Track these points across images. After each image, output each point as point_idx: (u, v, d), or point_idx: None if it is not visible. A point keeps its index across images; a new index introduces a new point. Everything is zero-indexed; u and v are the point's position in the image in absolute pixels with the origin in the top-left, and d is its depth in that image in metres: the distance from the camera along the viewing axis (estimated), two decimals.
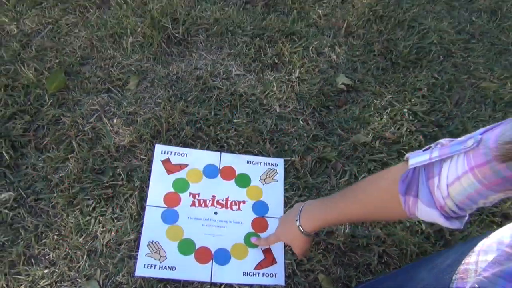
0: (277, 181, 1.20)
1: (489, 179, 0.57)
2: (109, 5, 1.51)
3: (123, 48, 1.40)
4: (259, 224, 1.14)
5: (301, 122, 1.32)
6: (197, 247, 1.07)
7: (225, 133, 1.26)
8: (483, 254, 0.73)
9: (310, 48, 1.49)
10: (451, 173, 0.61)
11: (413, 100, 1.41)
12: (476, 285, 0.66)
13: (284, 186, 1.20)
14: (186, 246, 1.07)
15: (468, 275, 0.73)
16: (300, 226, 0.88)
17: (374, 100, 1.40)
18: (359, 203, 0.78)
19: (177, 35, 1.44)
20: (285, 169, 1.23)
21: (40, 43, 1.39)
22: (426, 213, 0.67)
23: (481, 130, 0.61)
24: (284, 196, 1.19)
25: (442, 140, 0.66)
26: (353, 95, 1.42)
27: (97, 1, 1.51)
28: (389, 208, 0.73)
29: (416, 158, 0.66)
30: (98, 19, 1.46)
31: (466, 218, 0.68)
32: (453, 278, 0.75)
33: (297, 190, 1.19)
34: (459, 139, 0.63)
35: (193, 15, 1.50)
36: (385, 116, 1.36)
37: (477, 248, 0.77)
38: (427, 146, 0.67)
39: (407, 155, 0.69)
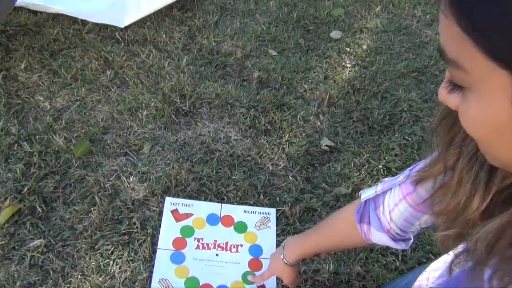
0: (270, 228, 1.39)
1: (417, 203, 0.77)
2: (127, 84, 1.80)
3: (138, 119, 1.66)
4: (255, 264, 1.31)
5: (291, 178, 1.54)
6: (201, 284, 1.24)
7: (225, 188, 1.47)
8: (432, 272, 0.91)
9: (298, 116, 1.75)
10: (391, 201, 0.81)
11: (387, 158, 1.64)
12: None
13: (276, 232, 1.39)
14: (191, 283, 1.23)
15: None
16: (284, 258, 1.05)
17: (354, 158, 1.63)
18: (328, 234, 0.96)
19: (184, 108, 1.71)
20: (277, 217, 1.42)
21: (69, 117, 1.65)
22: (378, 237, 0.85)
23: (410, 167, 0.82)
24: (276, 240, 1.37)
25: (385, 179, 0.87)
26: (335, 154, 1.65)
27: (117, 81, 1.80)
28: (351, 237, 0.90)
29: (366, 193, 0.85)
30: (118, 96, 1.74)
31: (411, 240, 0.87)
32: None
33: (287, 235, 1.38)
34: (396, 176, 0.84)
35: (198, 91, 1.78)
36: (363, 172, 1.58)
37: (429, 268, 0.94)
38: (375, 185, 0.88)
39: (360, 192, 0.89)
